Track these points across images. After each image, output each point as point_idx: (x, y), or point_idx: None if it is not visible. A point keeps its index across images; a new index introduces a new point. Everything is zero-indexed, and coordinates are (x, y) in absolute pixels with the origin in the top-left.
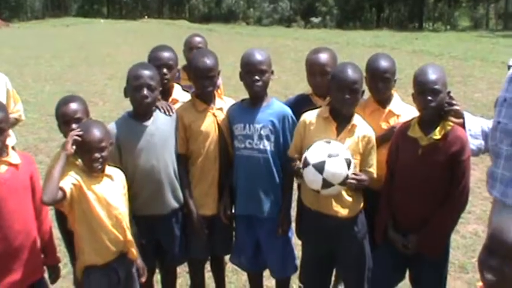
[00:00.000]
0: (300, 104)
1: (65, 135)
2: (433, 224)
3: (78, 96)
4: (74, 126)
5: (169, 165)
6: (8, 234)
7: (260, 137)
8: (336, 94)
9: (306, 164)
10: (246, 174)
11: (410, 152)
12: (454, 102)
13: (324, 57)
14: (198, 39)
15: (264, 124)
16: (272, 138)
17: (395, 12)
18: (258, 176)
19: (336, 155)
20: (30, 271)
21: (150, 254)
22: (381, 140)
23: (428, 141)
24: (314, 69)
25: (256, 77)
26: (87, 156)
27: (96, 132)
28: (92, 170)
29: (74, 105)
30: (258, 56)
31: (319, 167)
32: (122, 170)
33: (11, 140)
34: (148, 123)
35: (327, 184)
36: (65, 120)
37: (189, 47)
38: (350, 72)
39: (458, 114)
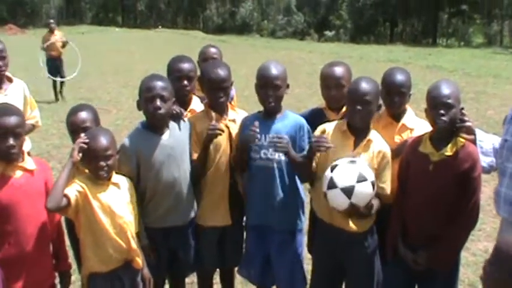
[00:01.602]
0: (313, 118)
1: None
2: (444, 240)
3: (88, 105)
4: (82, 135)
5: (188, 175)
6: (21, 239)
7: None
8: (349, 106)
9: (332, 185)
10: (261, 184)
11: (421, 168)
12: (466, 118)
13: (339, 70)
14: (213, 50)
15: (280, 134)
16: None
17: (409, 27)
18: (272, 186)
19: (365, 180)
20: (42, 276)
21: (163, 266)
22: (394, 154)
23: (439, 157)
24: (329, 82)
25: (270, 93)
26: (93, 164)
27: (103, 140)
28: (98, 178)
29: (82, 115)
30: (274, 71)
31: (348, 192)
32: (130, 179)
33: (26, 145)
34: (167, 135)
35: (353, 207)
36: (73, 129)
37: (204, 58)
38: (363, 84)
39: (470, 131)
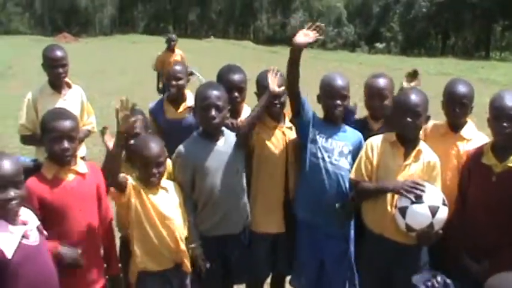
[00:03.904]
0: (358, 128)
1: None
2: (508, 251)
3: (140, 111)
4: (132, 141)
5: (242, 182)
6: (71, 241)
7: (341, 154)
8: (398, 118)
9: (395, 205)
10: (318, 185)
11: (483, 179)
12: None
13: (382, 81)
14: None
15: (346, 142)
16: (349, 157)
17: (461, 40)
18: (330, 191)
19: (421, 202)
20: (92, 280)
21: (217, 275)
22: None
23: (502, 169)
24: (372, 92)
25: (338, 102)
26: (145, 171)
27: (154, 148)
28: (149, 185)
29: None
30: (341, 82)
31: (402, 212)
32: (185, 187)
33: (81, 151)
34: (222, 142)
35: (410, 229)
36: None
37: None
38: (413, 96)
39: None
